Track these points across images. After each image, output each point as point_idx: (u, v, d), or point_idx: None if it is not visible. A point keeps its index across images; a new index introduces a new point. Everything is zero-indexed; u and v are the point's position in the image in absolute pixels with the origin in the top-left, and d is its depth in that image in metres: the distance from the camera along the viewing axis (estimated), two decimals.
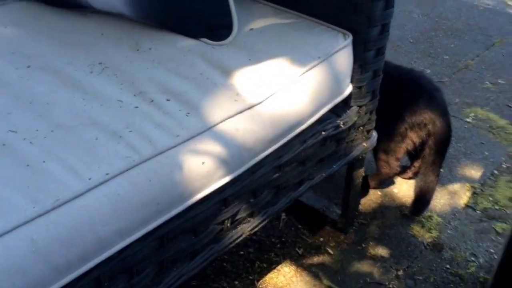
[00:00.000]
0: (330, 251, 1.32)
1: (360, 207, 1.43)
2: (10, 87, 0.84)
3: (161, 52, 0.94)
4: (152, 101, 0.82)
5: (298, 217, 1.41)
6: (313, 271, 1.27)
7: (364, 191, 1.48)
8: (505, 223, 1.42)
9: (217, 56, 0.93)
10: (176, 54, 0.93)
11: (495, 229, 1.40)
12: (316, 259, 1.30)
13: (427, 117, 1.34)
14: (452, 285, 1.26)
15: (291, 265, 1.28)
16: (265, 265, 1.28)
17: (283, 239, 1.35)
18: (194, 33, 0.97)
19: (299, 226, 1.39)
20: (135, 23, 1.01)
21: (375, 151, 1.40)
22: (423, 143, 1.38)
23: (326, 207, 1.41)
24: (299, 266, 1.28)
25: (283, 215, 1.41)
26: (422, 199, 1.41)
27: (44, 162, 0.69)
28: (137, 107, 0.81)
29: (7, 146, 0.71)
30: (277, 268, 1.28)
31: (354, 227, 1.39)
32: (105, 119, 0.77)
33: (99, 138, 0.74)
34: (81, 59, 0.91)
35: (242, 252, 1.31)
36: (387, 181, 1.53)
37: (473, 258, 1.32)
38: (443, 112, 1.35)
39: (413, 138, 1.37)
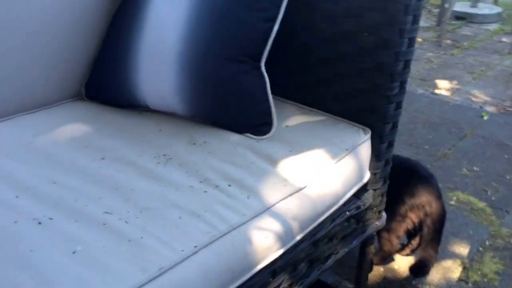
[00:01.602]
0: None
1: (368, 281, 1.57)
2: (93, 176, 0.97)
3: (214, 145, 1.10)
4: (217, 186, 0.98)
5: None
6: None
7: (369, 268, 1.63)
8: None
9: (262, 148, 1.10)
10: (228, 147, 1.10)
11: None
12: None
13: (424, 200, 1.52)
14: None
15: None
16: None
17: None
18: (239, 129, 1.15)
19: None
20: (187, 120, 1.19)
21: (378, 230, 1.57)
22: (420, 223, 1.56)
23: (339, 282, 1.54)
24: None
25: None
26: (423, 268, 1.57)
27: (142, 237, 0.82)
28: (206, 191, 0.96)
29: (107, 226, 0.84)
30: None
31: None
32: (183, 201, 0.92)
33: (182, 217, 0.88)
34: (147, 152, 1.06)
35: None
36: (388, 258, 1.69)
37: None
38: (437, 195, 1.54)
39: (412, 218, 1.55)
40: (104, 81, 1.24)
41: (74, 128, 1.15)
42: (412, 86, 3.25)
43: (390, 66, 1.15)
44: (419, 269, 1.59)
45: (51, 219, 0.84)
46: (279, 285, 1.05)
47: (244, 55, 1.10)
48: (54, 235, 0.81)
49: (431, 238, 1.55)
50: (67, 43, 1.25)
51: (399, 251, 1.69)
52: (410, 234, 1.66)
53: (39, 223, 0.83)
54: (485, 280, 1.63)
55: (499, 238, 1.82)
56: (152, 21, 1.13)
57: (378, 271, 1.65)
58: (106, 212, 0.87)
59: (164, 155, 1.06)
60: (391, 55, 1.14)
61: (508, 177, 2.20)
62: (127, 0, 1.22)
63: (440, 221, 1.55)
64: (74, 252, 0.77)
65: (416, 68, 3.55)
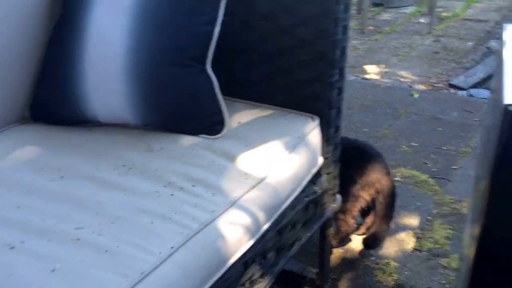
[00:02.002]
0: None
1: (330, 264, 1.63)
2: (56, 194, 0.97)
3: (172, 150, 1.12)
4: (182, 188, 1.00)
5: (279, 282, 1.57)
6: None
7: (330, 251, 1.70)
8: (448, 257, 1.67)
9: (219, 146, 1.14)
10: (185, 149, 1.12)
11: (441, 264, 1.64)
12: None
13: (374, 177, 1.61)
14: None
15: None
16: None
17: None
18: (194, 131, 1.17)
19: None
20: (140, 129, 1.20)
21: (335, 213, 1.64)
22: (373, 200, 1.65)
23: (303, 269, 1.60)
24: None
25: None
26: (375, 241, 1.67)
27: (118, 246, 0.84)
28: (172, 194, 0.98)
29: (81, 240, 0.85)
30: None
31: (328, 283, 1.57)
32: (151, 207, 0.94)
33: (154, 222, 0.90)
34: (105, 165, 1.07)
35: None
36: (346, 239, 1.76)
37: None
38: (386, 172, 1.63)
39: (365, 196, 1.63)
40: (50, 101, 1.23)
41: (26, 151, 1.14)
42: None
43: (328, 55, 1.21)
44: (372, 242, 1.68)
45: (23, 242, 0.84)
46: (252, 276, 1.09)
47: (190, 59, 1.13)
48: (29, 257, 0.81)
49: (384, 213, 1.64)
50: (3, 66, 1.23)
51: (355, 230, 1.77)
52: (364, 213, 1.74)
53: (12, 247, 0.83)
54: (437, 246, 1.73)
55: (445, 205, 1.94)
56: (94, 34, 1.13)
57: (338, 252, 1.71)
58: (77, 228, 0.88)
59: (123, 165, 1.07)
60: (328, 44, 1.20)
61: (444, 148, 2.35)
62: (65, 16, 1.21)
63: (390, 196, 1.64)
64: (53, 270, 0.78)
65: None
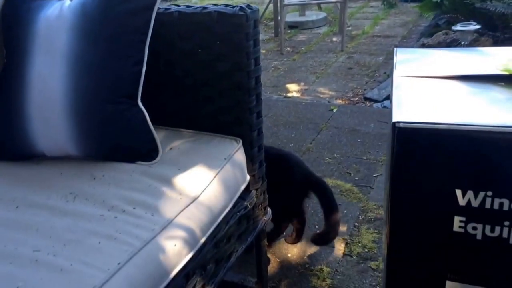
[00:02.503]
0: None
1: (268, 274, 1.74)
2: (14, 222, 1.08)
3: (112, 177, 1.23)
4: (124, 211, 1.11)
5: None
6: None
7: (267, 261, 1.83)
8: (376, 260, 1.81)
9: (155, 171, 1.26)
10: (125, 176, 1.23)
11: (371, 267, 1.78)
12: None
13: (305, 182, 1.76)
14: None
15: None
16: None
17: None
18: (131, 159, 1.29)
19: None
20: (83, 160, 1.30)
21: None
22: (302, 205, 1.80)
23: (243, 279, 1.71)
24: None
25: None
26: (331, 234, 1.82)
27: (71, 265, 0.94)
28: (116, 217, 1.09)
29: (39, 261, 0.95)
30: None
31: None
32: (98, 229, 1.04)
33: (101, 241, 1.01)
34: (55, 194, 1.17)
35: None
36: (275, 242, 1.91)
37: None
38: (313, 174, 1.79)
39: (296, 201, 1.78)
40: (1, 140, 1.33)
41: None
42: (267, 93, 3.57)
43: (245, 84, 1.37)
44: (327, 237, 1.83)
45: None
46: (194, 286, 1.21)
47: (121, 96, 1.26)
48: None
49: (329, 209, 1.78)
50: None
51: (288, 240, 1.92)
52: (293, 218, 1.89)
53: None
54: (366, 250, 1.87)
55: (369, 211, 2.10)
56: (36, 80, 1.25)
57: (275, 262, 1.84)
58: (35, 251, 0.98)
59: (71, 193, 1.17)
60: (243, 75, 1.36)
61: (365, 158, 2.54)
62: (7, 65, 1.32)
63: (329, 194, 1.79)
64: None
65: (267, 77, 3.89)
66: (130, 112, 1.27)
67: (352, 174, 2.40)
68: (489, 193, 0.87)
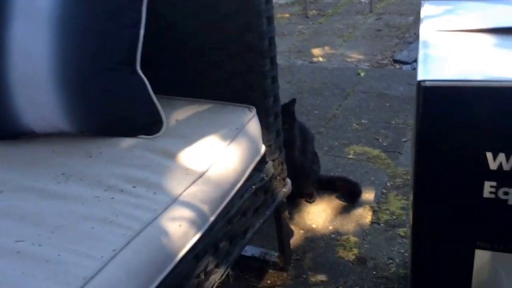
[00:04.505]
0: None
1: (291, 246, 1.67)
2: None
3: (111, 153, 1.13)
4: (122, 190, 1.01)
5: (243, 269, 1.61)
6: None
7: (290, 233, 1.73)
8: (405, 227, 1.73)
9: (158, 145, 1.15)
10: (124, 152, 1.13)
11: (399, 234, 1.70)
12: None
13: None
14: (382, 286, 1.51)
15: None
16: None
17: None
18: (131, 133, 1.18)
19: (247, 277, 1.58)
20: (77, 136, 1.20)
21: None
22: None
23: (265, 253, 1.63)
24: None
25: (230, 271, 1.59)
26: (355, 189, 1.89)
27: (59, 255, 0.84)
28: (113, 197, 0.99)
29: (21, 253, 0.85)
30: None
31: (292, 264, 1.61)
32: (92, 212, 0.94)
33: (95, 227, 0.91)
34: (45, 175, 1.07)
35: None
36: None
37: (390, 261, 1.60)
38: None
39: None
40: None
41: None
42: (292, 59, 3.42)
43: (257, 46, 1.24)
44: (352, 194, 1.89)
45: None
46: (206, 267, 1.11)
47: (118, 62, 1.14)
48: None
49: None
50: None
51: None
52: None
53: None
54: (394, 217, 1.79)
55: (398, 177, 2.00)
56: (16, 50, 1.12)
57: (299, 233, 1.75)
58: (17, 241, 0.88)
59: (63, 174, 1.07)
60: (255, 36, 1.23)
61: (393, 122, 2.42)
62: None
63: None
64: None
65: (291, 42, 3.74)
66: (129, 81, 1.16)
67: (380, 140, 2.28)
68: None
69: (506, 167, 0.83)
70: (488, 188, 0.86)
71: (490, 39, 0.97)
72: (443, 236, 0.95)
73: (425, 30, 1.05)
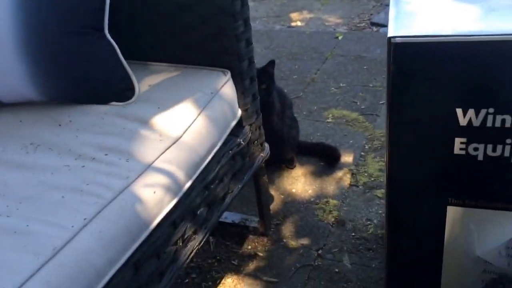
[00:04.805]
0: (260, 254, 1.53)
1: (271, 211, 1.67)
2: None
3: (81, 122, 1.09)
4: (94, 158, 0.98)
5: (224, 236, 1.60)
6: (252, 274, 1.46)
7: (270, 199, 1.73)
8: (382, 188, 1.74)
9: (130, 112, 1.12)
10: (95, 119, 1.09)
11: (377, 196, 1.71)
12: (251, 264, 1.49)
13: None
14: (361, 247, 1.52)
15: (233, 276, 1.46)
16: (210, 283, 1.45)
17: (218, 257, 1.53)
18: (102, 100, 1.14)
19: (228, 243, 1.58)
20: (46, 104, 1.16)
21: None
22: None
23: (245, 219, 1.62)
24: (239, 274, 1.46)
25: (211, 238, 1.59)
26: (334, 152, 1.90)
27: (28, 226, 0.82)
28: (83, 166, 0.96)
29: None
30: (221, 283, 1.44)
31: (272, 229, 1.61)
32: (62, 182, 0.92)
33: (65, 196, 0.88)
34: (11, 145, 1.03)
35: (187, 280, 1.46)
36: None
37: (369, 222, 1.61)
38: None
39: None
40: None
41: None
42: (270, 23, 3.36)
43: (229, 7, 1.19)
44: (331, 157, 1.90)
45: None
46: (184, 234, 1.10)
47: (84, 26, 1.09)
48: None
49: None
50: None
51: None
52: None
53: None
54: (372, 179, 1.79)
55: (376, 140, 2.00)
56: None
57: (279, 198, 1.75)
58: None
59: (31, 143, 1.03)
60: None
61: (371, 85, 2.40)
62: None
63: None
64: None
65: (269, 7, 3.67)
66: (97, 45, 1.11)
67: (358, 103, 2.27)
68: (491, 110, 0.82)
69: (475, 123, 0.83)
70: (458, 144, 0.86)
71: None
72: (416, 194, 0.95)
73: None
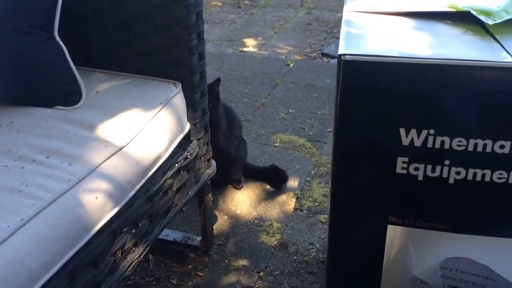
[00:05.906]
0: (200, 273, 1.50)
1: (214, 231, 1.65)
2: None
3: (23, 123, 1.05)
4: (34, 160, 0.95)
5: (164, 254, 1.57)
6: None
7: (214, 218, 1.71)
8: (326, 213, 1.75)
9: (76, 116, 1.09)
10: (38, 122, 1.06)
11: (320, 220, 1.72)
12: (190, 284, 1.46)
13: None
14: (302, 271, 1.52)
15: None
16: None
17: (156, 276, 1.49)
18: (47, 103, 1.11)
19: (168, 261, 1.54)
20: None
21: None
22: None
23: (187, 237, 1.59)
24: None
25: (150, 256, 1.55)
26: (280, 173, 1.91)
27: None
28: (23, 167, 0.92)
29: None
30: None
31: (214, 249, 1.59)
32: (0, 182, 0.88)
33: (2, 196, 0.84)
34: None
35: None
36: None
37: (311, 246, 1.61)
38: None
39: None
40: None
41: None
42: (222, 47, 3.39)
43: (184, 20, 1.20)
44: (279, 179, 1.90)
45: None
46: (123, 245, 1.07)
47: (32, 26, 1.07)
48: None
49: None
50: None
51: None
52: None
53: None
54: (316, 204, 1.81)
55: (322, 166, 2.03)
56: None
57: (223, 219, 1.73)
58: None
59: None
60: (182, 9, 1.19)
61: (319, 113, 2.45)
62: None
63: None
64: None
65: (222, 30, 3.71)
66: (45, 47, 1.08)
67: (306, 129, 2.31)
68: (432, 131, 0.85)
69: (417, 143, 0.85)
70: (400, 163, 0.88)
71: (408, 21, 1.00)
72: (359, 212, 0.97)
73: (348, 11, 1.08)
